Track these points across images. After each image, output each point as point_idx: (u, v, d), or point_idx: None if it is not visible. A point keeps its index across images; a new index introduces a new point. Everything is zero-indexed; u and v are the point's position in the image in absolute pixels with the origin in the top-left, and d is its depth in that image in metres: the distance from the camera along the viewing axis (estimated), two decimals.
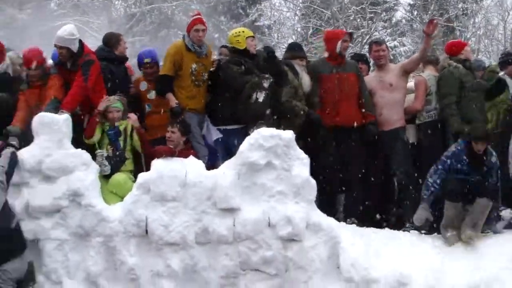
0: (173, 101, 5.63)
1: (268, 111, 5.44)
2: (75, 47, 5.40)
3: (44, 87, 5.45)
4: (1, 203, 4.59)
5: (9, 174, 4.77)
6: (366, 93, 5.83)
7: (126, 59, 6.17)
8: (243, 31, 5.89)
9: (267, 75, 5.48)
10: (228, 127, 5.69)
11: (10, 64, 5.88)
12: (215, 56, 6.16)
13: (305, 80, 5.75)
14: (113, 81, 5.81)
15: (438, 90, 5.87)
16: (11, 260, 4.59)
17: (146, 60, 6.01)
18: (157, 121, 5.80)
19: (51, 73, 5.54)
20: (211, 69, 5.82)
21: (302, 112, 5.45)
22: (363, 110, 5.80)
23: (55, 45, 5.44)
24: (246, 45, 5.71)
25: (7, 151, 4.90)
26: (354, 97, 5.78)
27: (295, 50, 6.01)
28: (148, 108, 5.96)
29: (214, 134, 5.69)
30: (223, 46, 6.36)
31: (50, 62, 5.78)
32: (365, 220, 5.59)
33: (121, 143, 5.41)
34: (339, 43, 5.83)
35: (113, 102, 5.38)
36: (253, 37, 5.81)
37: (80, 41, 5.49)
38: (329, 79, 5.77)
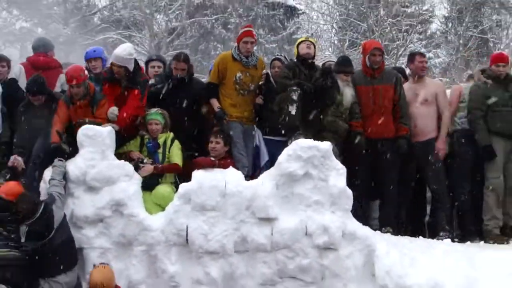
0: (215, 105, 5.78)
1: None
2: (131, 66, 5.63)
3: (87, 108, 5.56)
4: (61, 215, 4.77)
5: (65, 186, 4.98)
6: (403, 105, 5.96)
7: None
8: (302, 38, 5.99)
9: (295, 88, 5.62)
10: (275, 138, 5.87)
11: (23, 73, 6.18)
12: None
13: (347, 95, 5.87)
14: None
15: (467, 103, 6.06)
16: (66, 273, 4.74)
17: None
18: None
19: (97, 97, 5.64)
20: (260, 82, 5.96)
21: (343, 130, 5.59)
22: (399, 122, 5.93)
23: (113, 64, 5.64)
24: (297, 52, 5.84)
25: (59, 163, 5.08)
26: (388, 109, 5.92)
27: (344, 65, 6.06)
28: None
29: (264, 156, 5.87)
30: (276, 59, 6.49)
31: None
32: (400, 229, 5.72)
33: (160, 155, 5.58)
34: (367, 57, 6.02)
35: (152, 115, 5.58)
36: (309, 42, 5.83)
37: (135, 60, 5.70)
38: (364, 91, 5.94)
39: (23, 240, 4.69)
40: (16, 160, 5.61)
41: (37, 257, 4.65)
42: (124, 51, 5.65)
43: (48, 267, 4.72)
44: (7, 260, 4.65)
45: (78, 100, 5.54)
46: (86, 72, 5.84)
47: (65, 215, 4.88)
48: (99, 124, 5.33)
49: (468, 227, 5.90)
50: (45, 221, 4.69)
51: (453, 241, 5.52)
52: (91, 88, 5.64)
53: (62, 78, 6.20)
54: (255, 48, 6.13)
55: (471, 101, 5.98)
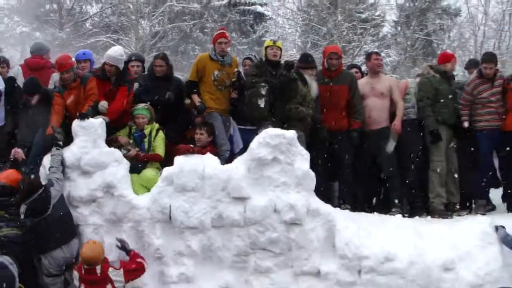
0: (196, 100, 6.48)
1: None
2: (121, 66, 6.34)
3: (79, 88, 6.27)
4: (57, 194, 5.45)
5: (63, 171, 5.67)
6: (356, 103, 6.67)
7: None
8: (268, 42, 6.65)
9: (263, 84, 6.27)
10: (247, 127, 6.59)
11: (21, 73, 6.87)
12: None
13: (313, 88, 6.56)
14: None
15: (417, 93, 6.79)
16: (62, 247, 5.40)
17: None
18: None
19: (86, 76, 6.37)
20: (233, 79, 6.64)
21: (307, 117, 6.27)
22: (353, 118, 6.67)
23: (106, 63, 6.33)
24: (265, 53, 6.53)
25: (57, 152, 5.77)
26: (341, 107, 6.64)
27: (307, 61, 6.79)
28: None
29: (238, 144, 6.58)
30: (246, 58, 7.19)
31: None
32: (357, 206, 6.43)
33: (146, 144, 6.28)
34: (325, 60, 6.75)
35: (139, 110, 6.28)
36: (276, 47, 6.43)
37: (125, 61, 6.40)
38: (322, 90, 6.64)
39: (22, 217, 5.37)
40: (17, 152, 6.28)
41: (34, 233, 5.32)
42: (116, 52, 6.35)
43: (46, 242, 5.37)
44: (10, 238, 5.33)
45: (70, 83, 6.24)
46: (73, 59, 6.52)
47: (62, 195, 5.56)
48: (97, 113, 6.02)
49: (416, 204, 6.62)
50: (43, 200, 5.36)
51: (403, 216, 6.23)
52: (79, 72, 6.39)
53: (54, 76, 6.84)
54: (228, 49, 6.79)
55: (421, 91, 6.72)
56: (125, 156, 5.97)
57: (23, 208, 5.38)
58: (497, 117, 6.52)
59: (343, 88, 6.64)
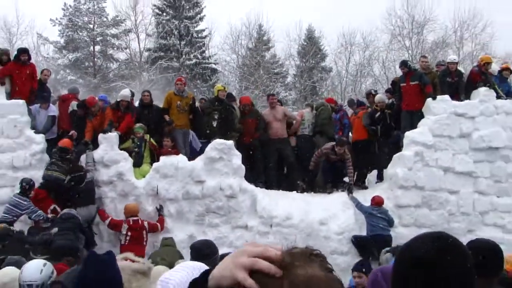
0: (166, 117, 10.26)
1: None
2: (129, 100, 10.20)
3: (101, 114, 10.13)
4: (90, 177, 9.27)
5: (94, 165, 9.55)
6: (260, 128, 10.44)
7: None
8: (217, 87, 10.76)
9: (215, 112, 10.18)
10: (202, 140, 10.42)
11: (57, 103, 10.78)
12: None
13: (238, 114, 10.49)
14: None
15: (317, 117, 10.71)
16: (82, 207, 9.13)
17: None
18: None
19: (104, 107, 10.29)
20: (189, 103, 10.42)
21: (236, 134, 10.16)
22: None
23: (122, 100, 10.15)
24: (217, 94, 10.48)
25: (89, 153, 9.61)
26: (253, 130, 10.41)
27: (232, 96, 10.95)
28: None
29: (197, 146, 10.38)
30: (202, 98, 11.28)
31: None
32: (270, 185, 10.32)
33: (142, 148, 10.11)
34: (241, 105, 10.67)
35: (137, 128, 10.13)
36: (224, 90, 10.64)
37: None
38: (243, 122, 10.46)
39: (66, 182, 9.16)
40: (74, 133, 10.04)
41: (71, 193, 9.10)
42: (126, 92, 10.26)
43: (76, 201, 9.12)
44: (53, 178, 9.10)
45: (96, 113, 10.10)
46: (97, 98, 10.45)
47: (92, 178, 9.39)
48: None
49: (312, 184, 10.49)
50: (80, 177, 9.14)
51: (297, 192, 10.10)
52: (101, 105, 10.31)
53: (73, 104, 10.61)
54: (186, 87, 10.74)
55: (319, 115, 10.67)
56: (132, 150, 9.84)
57: (67, 178, 9.16)
58: None
59: (254, 121, 10.51)
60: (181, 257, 6.95)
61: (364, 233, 9.37)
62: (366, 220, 9.37)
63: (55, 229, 8.14)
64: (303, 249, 1.12)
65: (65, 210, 8.55)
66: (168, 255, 7.19)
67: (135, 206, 9.12)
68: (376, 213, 9.27)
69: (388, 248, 7.61)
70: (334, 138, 10.22)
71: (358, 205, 9.54)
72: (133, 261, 3.49)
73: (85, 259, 2.95)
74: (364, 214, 9.42)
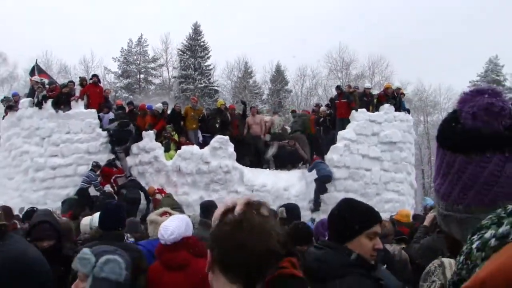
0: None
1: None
2: (161, 110, 15.63)
3: (145, 118, 15.60)
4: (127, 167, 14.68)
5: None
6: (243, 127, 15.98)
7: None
8: (219, 102, 16.25)
9: (217, 118, 15.62)
10: (206, 135, 15.80)
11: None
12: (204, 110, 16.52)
13: (228, 116, 16.00)
14: None
15: (299, 120, 16.11)
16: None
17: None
18: None
19: (148, 113, 15.77)
20: (201, 115, 15.94)
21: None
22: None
23: (156, 110, 15.56)
24: (219, 106, 15.93)
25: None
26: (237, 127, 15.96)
27: (227, 109, 16.37)
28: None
29: (201, 140, 15.78)
30: (207, 109, 16.92)
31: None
32: (258, 164, 15.70)
33: (170, 141, 15.50)
34: (230, 109, 16.11)
35: (167, 128, 15.58)
36: (224, 104, 16.11)
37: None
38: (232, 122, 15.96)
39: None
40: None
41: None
42: (159, 105, 15.72)
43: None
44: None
45: (143, 116, 15.59)
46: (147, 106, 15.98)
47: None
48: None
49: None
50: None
51: (270, 169, 15.51)
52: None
53: (109, 115, 16.12)
54: (198, 104, 16.23)
55: (297, 121, 16.11)
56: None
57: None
58: None
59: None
60: (178, 205, 12.29)
61: (311, 196, 14.76)
62: (316, 168, 14.40)
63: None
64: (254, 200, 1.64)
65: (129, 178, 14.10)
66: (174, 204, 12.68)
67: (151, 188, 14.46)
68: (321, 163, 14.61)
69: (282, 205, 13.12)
70: (310, 134, 15.70)
71: (311, 169, 14.89)
72: (170, 214, 4.67)
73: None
74: (316, 167, 14.55)
